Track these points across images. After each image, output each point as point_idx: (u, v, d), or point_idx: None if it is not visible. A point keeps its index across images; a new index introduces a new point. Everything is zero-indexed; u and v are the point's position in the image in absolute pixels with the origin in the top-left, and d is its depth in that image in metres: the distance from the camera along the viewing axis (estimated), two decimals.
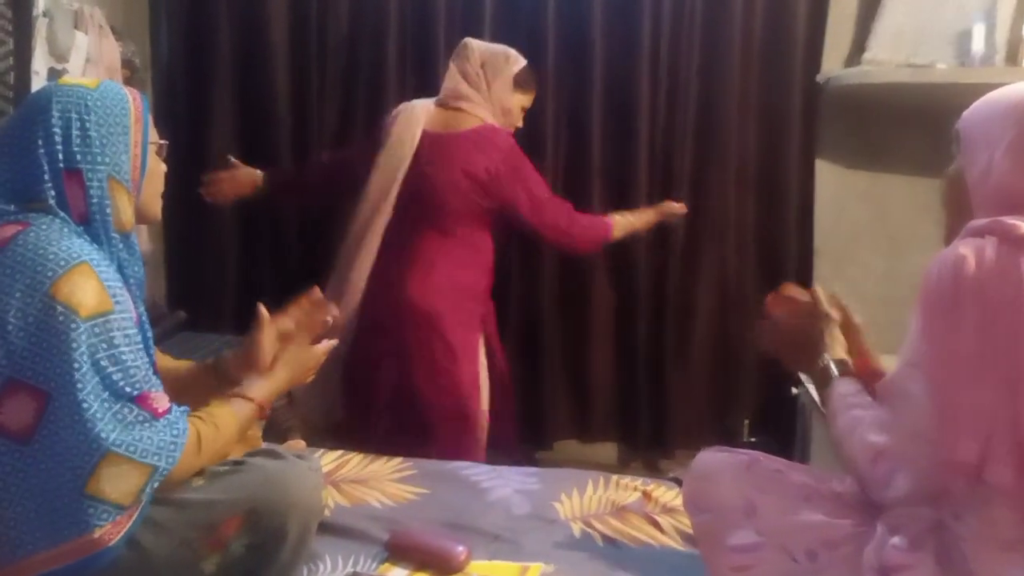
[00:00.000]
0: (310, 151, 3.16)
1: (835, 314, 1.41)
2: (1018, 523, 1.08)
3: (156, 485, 1.26)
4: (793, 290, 1.48)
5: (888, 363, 1.26)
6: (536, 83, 2.59)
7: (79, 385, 1.20)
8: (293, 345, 1.58)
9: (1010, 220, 1.09)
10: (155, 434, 1.25)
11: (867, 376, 1.34)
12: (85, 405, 1.20)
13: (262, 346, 1.53)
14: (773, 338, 1.46)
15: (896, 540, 1.15)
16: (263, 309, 1.54)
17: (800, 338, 1.41)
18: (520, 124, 2.57)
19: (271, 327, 1.55)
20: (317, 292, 1.62)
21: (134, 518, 1.26)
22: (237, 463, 1.38)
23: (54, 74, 2.39)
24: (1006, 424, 1.05)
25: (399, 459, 2.08)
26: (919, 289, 1.12)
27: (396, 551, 1.65)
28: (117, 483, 1.21)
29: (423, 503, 1.88)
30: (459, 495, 1.91)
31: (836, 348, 1.37)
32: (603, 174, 2.96)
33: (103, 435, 1.20)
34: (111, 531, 1.23)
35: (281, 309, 1.61)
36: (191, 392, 1.52)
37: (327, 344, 1.62)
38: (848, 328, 1.42)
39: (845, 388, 1.29)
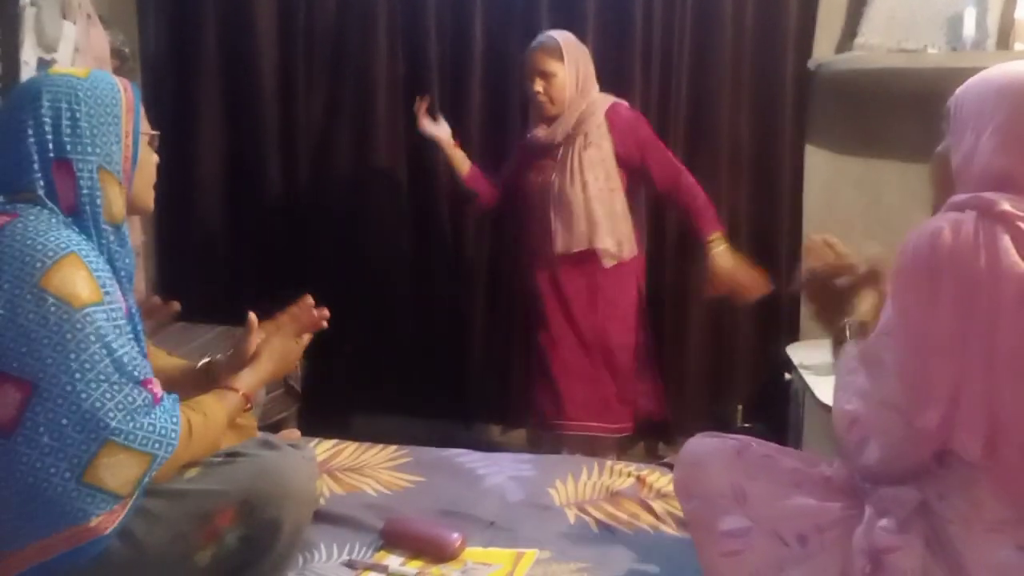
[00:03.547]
0: (297, 141, 3.16)
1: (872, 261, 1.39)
2: (1002, 504, 1.09)
3: (153, 474, 1.26)
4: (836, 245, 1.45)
5: None
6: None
7: (77, 376, 1.20)
8: (277, 337, 1.57)
9: (990, 195, 1.09)
10: (156, 421, 1.25)
11: None
12: (84, 395, 1.20)
13: (250, 353, 1.52)
14: (809, 286, 1.44)
15: (885, 522, 1.16)
16: (252, 316, 1.53)
17: (828, 294, 1.39)
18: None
19: (260, 334, 1.54)
20: (308, 300, 1.60)
21: (128, 508, 1.26)
22: (231, 454, 1.38)
23: (43, 64, 2.38)
24: (978, 395, 1.06)
25: (394, 447, 2.09)
26: (896, 260, 1.13)
27: (391, 539, 1.65)
28: (116, 472, 1.21)
29: (418, 491, 1.89)
30: (454, 483, 1.92)
31: (862, 309, 1.35)
32: None
33: (102, 423, 1.20)
34: (106, 520, 1.23)
35: (270, 315, 1.60)
36: (182, 392, 1.51)
37: (307, 337, 1.61)
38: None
39: (850, 351, 1.29)
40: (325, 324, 1.60)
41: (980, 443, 1.06)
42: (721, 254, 2.50)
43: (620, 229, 2.52)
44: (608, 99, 2.56)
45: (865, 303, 1.36)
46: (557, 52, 2.47)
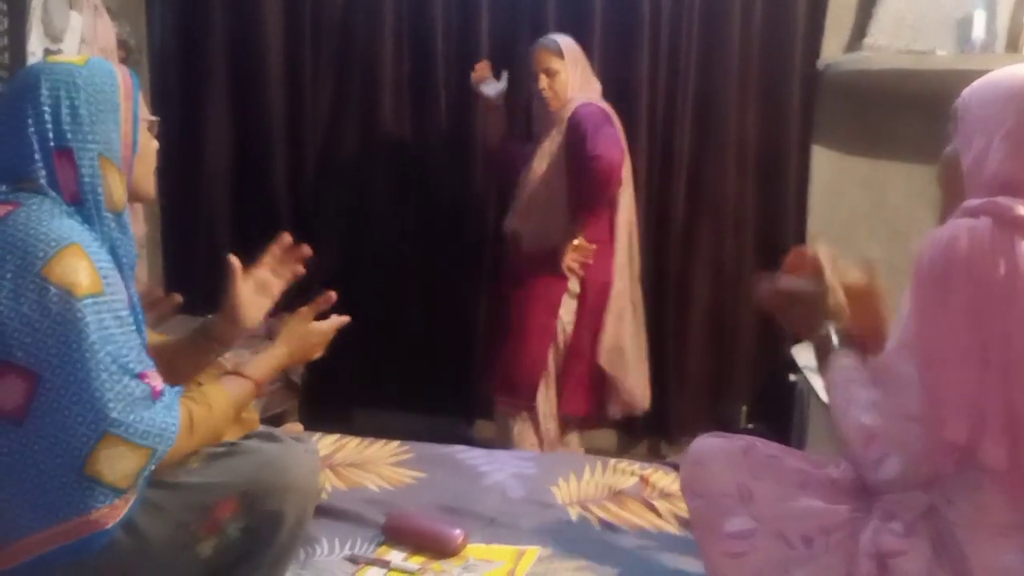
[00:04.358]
0: (304, 133, 3.16)
1: (861, 277, 1.36)
2: (1009, 507, 1.09)
3: (153, 468, 1.26)
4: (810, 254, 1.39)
5: None
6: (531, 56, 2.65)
7: (78, 366, 1.19)
8: (293, 319, 1.55)
9: (1005, 201, 1.08)
10: (155, 415, 1.25)
11: (866, 342, 1.31)
12: (86, 386, 1.19)
13: (240, 297, 1.49)
14: (773, 300, 1.40)
15: (891, 526, 1.15)
16: (234, 259, 1.50)
17: (801, 303, 1.36)
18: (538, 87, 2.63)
19: (245, 277, 1.51)
20: (287, 237, 1.58)
21: (131, 503, 1.25)
22: (234, 446, 1.38)
23: (49, 55, 2.37)
24: (998, 404, 1.05)
25: (396, 443, 2.09)
26: (912, 268, 1.12)
27: (393, 534, 1.65)
28: (115, 465, 1.21)
29: (420, 487, 1.88)
30: (456, 479, 1.92)
31: (839, 316, 1.33)
32: None
33: (102, 414, 1.19)
34: (108, 514, 1.22)
35: (275, 312, 1.59)
36: (184, 361, 1.51)
37: (337, 320, 1.59)
38: (871, 294, 1.37)
39: (843, 361, 1.28)
40: (305, 257, 1.57)
41: (1006, 452, 1.05)
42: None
43: (531, 216, 2.61)
44: (587, 99, 2.60)
45: (839, 309, 1.33)
46: (559, 51, 2.60)
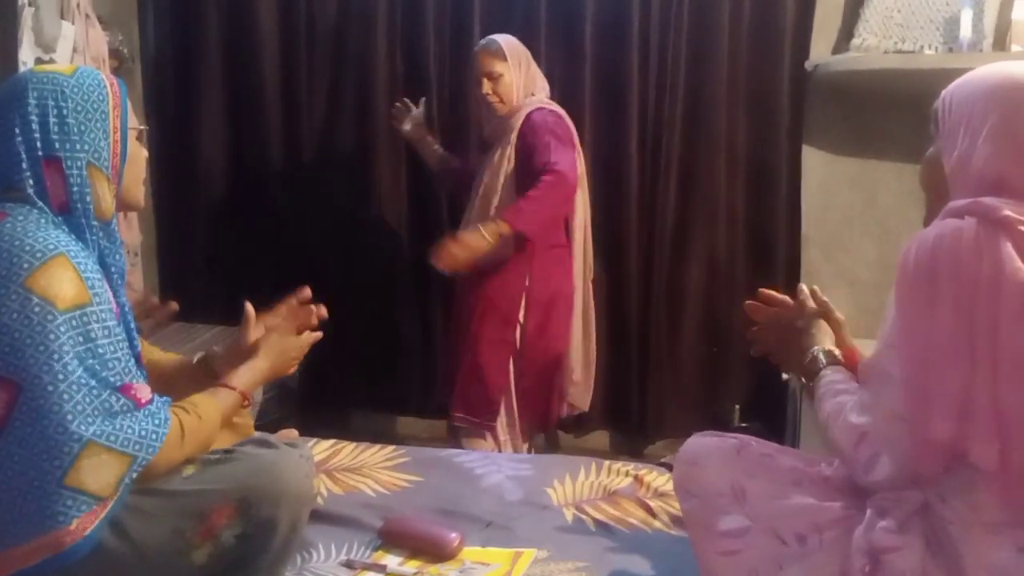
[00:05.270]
0: (299, 140, 3.16)
1: (815, 308, 1.41)
2: (1003, 506, 1.09)
3: (134, 475, 1.25)
4: (770, 294, 1.48)
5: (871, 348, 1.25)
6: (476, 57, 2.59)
7: (59, 376, 1.19)
8: (275, 333, 1.55)
9: (990, 201, 1.09)
10: (136, 424, 1.24)
11: (853, 368, 1.34)
12: (66, 396, 1.19)
13: (249, 344, 1.52)
14: (763, 343, 1.47)
15: (885, 523, 1.15)
16: (249, 307, 1.53)
17: (787, 340, 1.41)
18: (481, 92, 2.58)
19: (258, 325, 1.53)
20: (307, 292, 1.59)
21: (108, 508, 1.24)
22: (228, 452, 1.38)
23: (40, 64, 2.37)
24: (987, 405, 1.05)
25: (392, 447, 2.09)
26: (897, 269, 1.12)
27: (389, 538, 1.65)
28: (98, 473, 1.20)
29: (416, 490, 1.89)
30: (452, 482, 1.92)
31: (824, 340, 1.37)
32: (594, 161, 2.95)
33: (82, 427, 1.19)
34: (86, 521, 1.22)
35: (268, 307, 1.59)
36: (179, 387, 1.50)
37: (313, 335, 1.59)
38: (831, 324, 1.42)
39: (832, 376, 1.29)
40: (316, 321, 1.57)
41: (996, 453, 1.05)
42: (476, 233, 2.43)
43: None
44: (539, 103, 2.56)
45: (823, 334, 1.38)
46: (500, 53, 2.53)
